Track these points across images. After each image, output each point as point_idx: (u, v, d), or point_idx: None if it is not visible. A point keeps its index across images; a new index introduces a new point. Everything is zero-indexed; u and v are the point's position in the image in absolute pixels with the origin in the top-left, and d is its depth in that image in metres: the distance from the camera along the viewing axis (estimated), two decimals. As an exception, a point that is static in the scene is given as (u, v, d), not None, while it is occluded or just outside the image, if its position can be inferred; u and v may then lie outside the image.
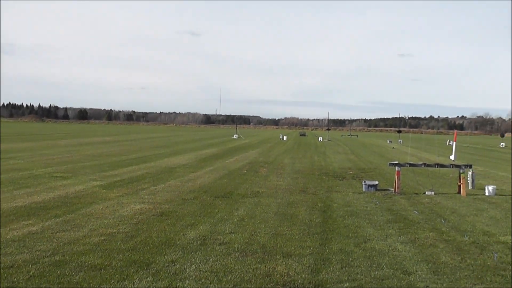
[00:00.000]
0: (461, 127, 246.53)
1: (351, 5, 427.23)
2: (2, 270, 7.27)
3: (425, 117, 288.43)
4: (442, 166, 18.26)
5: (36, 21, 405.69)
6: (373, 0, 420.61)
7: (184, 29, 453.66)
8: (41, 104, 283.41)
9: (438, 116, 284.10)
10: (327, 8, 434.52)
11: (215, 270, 7.60)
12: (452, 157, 18.61)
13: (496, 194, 16.77)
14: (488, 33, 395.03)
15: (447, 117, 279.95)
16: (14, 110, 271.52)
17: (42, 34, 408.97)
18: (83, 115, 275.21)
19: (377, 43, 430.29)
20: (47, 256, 8.05)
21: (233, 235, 9.95)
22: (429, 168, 19.79)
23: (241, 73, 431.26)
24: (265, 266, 7.87)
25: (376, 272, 7.72)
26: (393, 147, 52.97)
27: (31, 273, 7.20)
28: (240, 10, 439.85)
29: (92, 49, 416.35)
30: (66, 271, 7.32)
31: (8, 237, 9.27)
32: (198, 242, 9.29)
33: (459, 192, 16.82)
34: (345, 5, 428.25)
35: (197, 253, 8.52)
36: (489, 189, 16.91)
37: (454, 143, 18.93)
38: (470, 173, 18.30)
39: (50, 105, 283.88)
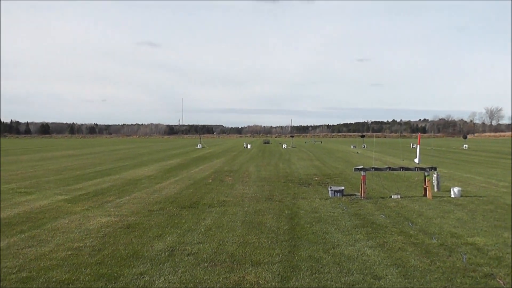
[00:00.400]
0: (423, 130, 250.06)
1: (310, 12, 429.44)
2: (-33, 289, 7.16)
3: (387, 121, 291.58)
4: (407, 169, 18.45)
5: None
6: (331, 6, 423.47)
7: (143, 40, 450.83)
8: (1, 120, 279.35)
9: (401, 120, 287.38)
10: (286, 15, 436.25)
11: (184, 281, 7.57)
12: (416, 160, 18.80)
13: (461, 196, 16.99)
14: (447, 36, 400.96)
15: (410, 121, 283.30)
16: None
17: (1, 49, 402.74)
18: (45, 129, 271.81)
19: (337, 49, 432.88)
20: (14, 273, 7.94)
21: (201, 245, 9.92)
22: (394, 171, 19.98)
23: (203, 82, 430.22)
24: (234, 275, 7.87)
25: (346, 278, 7.77)
26: (357, 152, 53.33)
27: (-2, 291, 7.10)
28: (199, 19, 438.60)
29: (52, 62, 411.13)
30: (33, 287, 7.22)
31: (-28, 255, 9.13)
32: (166, 253, 9.25)
33: (425, 194, 17.01)
34: (304, 12, 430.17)
35: (165, 264, 8.48)
36: (454, 190, 17.14)
37: (418, 146, 19.12)
38: (435, 175, 18.55)
39: (11, 120, 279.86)
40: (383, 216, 13.24)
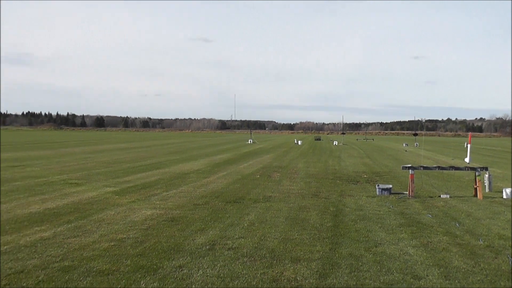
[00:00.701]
0: (480, 129, 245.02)
1: (364, 8, 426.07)
2: (12, 275, 7.33)
3: (442, 119, 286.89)
4: (457, 168, 18.09)
5: (52, 31, 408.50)
6: (387, 2, 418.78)
7: (197, 35, 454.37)
8: (59, 113, 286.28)
9: (456, 119, 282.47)
10: (340, 11, 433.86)
11: (222, 275, 7.59)
12: (467, 160, 18.40)
13: (515, 197, 16.60)
14: (506, 34, 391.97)
15: (465, 119, 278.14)
16: (33, 119, 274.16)
17: (58, 44, 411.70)
18: (100, 122, 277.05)
19: (391, 46, 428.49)
20: (57, 262, 8.10)
21: (242, 240, 9.94)
22: (444, 171, 19.65)
23: (256, 78, 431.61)
24: (272, 271, 7.85)
25: (385, 277, 7.67)
26: (405, 150, 52.61)
27: (40, 278, 7.26)
28: (253, 16, 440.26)
29: (108, 57, 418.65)
30: (74, 276, 7.36)
31: (20, 242, 9.37)
32: (207, 247, 9.30)
33: (475, 195, 16.68)
34: (358, 8, 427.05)
35: (205, 258, 8.52)
36: (506, 191, 16.72)
37: (469, 145, 18.73)
38: (486, 175, 18.16)
39: (68, 113, 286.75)
40: (430, 216, 13.03)
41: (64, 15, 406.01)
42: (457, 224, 11.91)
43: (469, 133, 21.30)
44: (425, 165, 18.34)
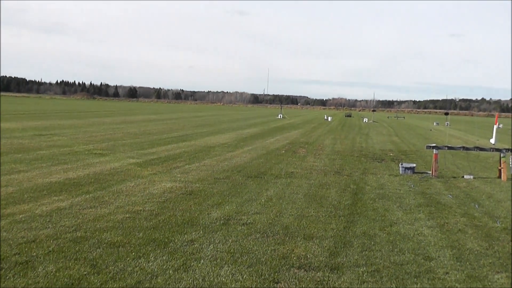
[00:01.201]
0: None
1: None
2: (23, 245, 7.41)
3: (476, 99, 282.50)
4: (482, 149, 17.82)
5: (87, 1, 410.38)
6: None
7: (233, 8, 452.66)
8: (92, 82, 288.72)
9: (490, 99, 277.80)
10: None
11: (232, 250, 7.58)
12: (492, 141, 18.10)
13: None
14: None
15: (500, 100, 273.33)
16: (66, 88, 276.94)
17: (93, 14, 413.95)
18: (133, 93, 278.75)
19: (428, 24, 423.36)
20: (69, 232, 8.17)
21: (258, 215, 9.91)
22: (469, 151, 19.40)
23: (289, 53, 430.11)
24: (283, 247, 7.82)
25: (396, 257, 7.59)
26: (430, 130, 51.96)
27: (51, 248, 7.32)
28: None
29: (142, 28, 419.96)
30: (84, 247, 7.41)
31: (36, 211, 9.45)
32: (221, 222, 9.29)
33: (500, 176, 16.44)
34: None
35: (218, 233, 8.52)
36: (532, 173, 16.48)
37: (495, 126, 18.42)
38: (511, 157, 17.86)
39: (101, 83, 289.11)
40: (450, 196, 12.87)
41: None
42: (477, 206, 11.74)
43: (496, 114, 20.92)
44: (450, 145, 18.10)
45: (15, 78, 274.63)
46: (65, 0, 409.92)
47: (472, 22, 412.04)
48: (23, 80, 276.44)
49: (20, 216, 9.04)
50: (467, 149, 17.72)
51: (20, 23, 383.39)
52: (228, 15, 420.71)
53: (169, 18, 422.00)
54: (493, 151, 17.57)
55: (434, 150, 16.65)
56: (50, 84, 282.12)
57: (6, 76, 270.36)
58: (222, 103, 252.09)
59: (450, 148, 17.73)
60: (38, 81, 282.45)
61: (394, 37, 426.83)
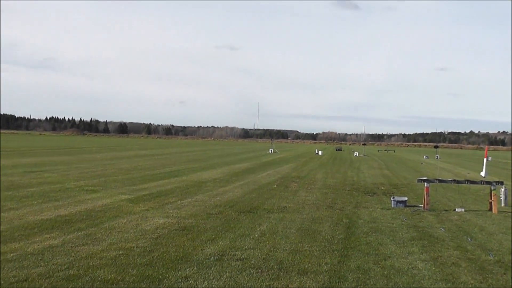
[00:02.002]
0: (502, 143, 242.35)
1: (390, 20, 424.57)
2: (15, 284, 7.33)
3: (465, 132, 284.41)
4: (473, 182, 17.92)
5: (77, 36, 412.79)
6: (412, 14, 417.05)
7: (223, 43, 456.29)
8: (82, 118, 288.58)
9: (479, 131, 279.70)
10: (366, 23, 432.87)
11: (227, 286, 7.53)
12: (483, 173, 18.20)
13: (529, 212, 16.35)
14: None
15: (488, 132, 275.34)
16: (56, 124, 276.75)
17: (83, 49, 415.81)
18: (123, 129, 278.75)
19: (415, 57, 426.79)
20: (62, 270, 8.08)
21: (252, 251, 9.87)
22: (460, 184, 19.47)
23: (280, 87, 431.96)
24: (278, 283, 7.77)
25: (391, 291, 7.57)
26: (421, 163, 52.11)
27: (43, 286, 7.24)
28: (279, 24, 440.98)
29: (132, 64, 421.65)
30: (78, 285, 7.34)
31: (28, 250, 9.36)
32: (215, 257, 9.24)
33: (490, 209, 16.47)
34: (384, 20, 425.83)
35: (212, 269, 8.46)
36: (522, 206, 16.54)
37: (485, 159, 18.54)
38: (502, 189, 17.93)
39: (91, 119, 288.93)
40: (443, 230, 12.87)
41: (90, 20, 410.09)
42: (469, 239, 11.74)
43: (486, 147, 21.06)
44: (441, 178, 18.18)
45: (4, 115, 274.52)
46: (55, 36, 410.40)
47: (459, 56, 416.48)
48: (12, 116, 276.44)
49: (11, 255, 8.93)
50: (458, 182, 17.80)
51: (9, 59, 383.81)
52: (218, 50, 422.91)
53: (159, 53, 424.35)
54: (483, 183, 17.65)
55: (425, 183, 16.70)
56: (40, 120, 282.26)
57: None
58: (212, 138, 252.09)
59: (441, 181, 17.82)
60: (28, 117, 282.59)
61: (382, 70, 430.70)
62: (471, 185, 20.45)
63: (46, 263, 8.46)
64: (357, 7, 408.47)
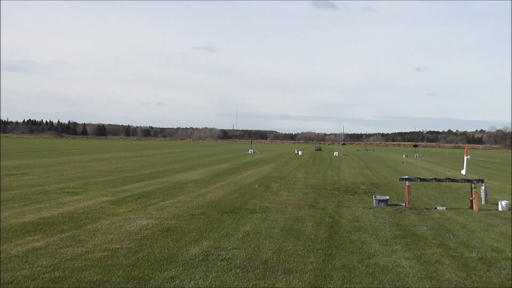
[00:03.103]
0: (480, 141, 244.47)
1: (368, 20, 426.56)
2: (2, 286, 7.29)
3: (443, 131, 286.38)
4: (453, 180, 18.10)
5: (54, 39, 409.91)
6: (390, 14, 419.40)
7: (201, 44, 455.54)
8: (60, 120, 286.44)
9: (457, 130, 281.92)
10: (341, 22, 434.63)
11: (214, 286, 7.56)
12: (463, 172, 18.37)
13: (509, 209, 16.53)
14: (507, 46, 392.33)
15: (466, 131, 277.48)
16: (34, 127, 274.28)
17: (60, 52, 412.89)
18: (102, 131, 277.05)
19: (393, 57, 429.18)
20: (47, 272, 8.06)
21: (236, 250, 9.90)
22: (441, 182, 19.62)
23: (258, 88, 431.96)
24: (264, 282, 7.81)
25: (377, 289, 7.63)
26: (403, 162, 52.47)
27: (30, 289, 7.22)
28: (257, 25, 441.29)
29: (110, 65, 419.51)
30: (64, 287, 7.32)
31: (12, 252, 9.31)
32: (200, 258, 9.26)
33: (471, 207, 16.64)
34: (362, 20, 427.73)
35: (197, 269, 8.48)
36: (502, 204, 16.71)
37: (465, 157, 18.72)
38: (482, 187, 18.11)
39: (69, 121, 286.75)
40: (425, 228, 12.99)
41: (66, 22, 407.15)
42: (452, 237, 11.87)
43: (466, 145, 21.25)
44: (422, 177, 18.33)
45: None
46: (31, 38, 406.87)
47: (437, 56, 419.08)
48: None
49: (-4, 258, 8.90)
50: (439, 180, 17.98)
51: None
52: (196, 51, 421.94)
53: (136, 54, 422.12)
54: (464, 182, 17.83)
55: (406, 182, 16.83)
56: (17, 123, 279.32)
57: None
58: (191, 139, 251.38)
59: (422, 179, 17.96)
60: (5, 120, 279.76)
61: (360, 70, 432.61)
62: (452, 183, 20.63)
63: (31, 265, 8.43)
64: (335, 7, 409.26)
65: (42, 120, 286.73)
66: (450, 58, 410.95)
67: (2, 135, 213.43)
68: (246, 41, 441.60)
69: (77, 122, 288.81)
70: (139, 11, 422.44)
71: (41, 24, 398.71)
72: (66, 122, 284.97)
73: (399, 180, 18.02)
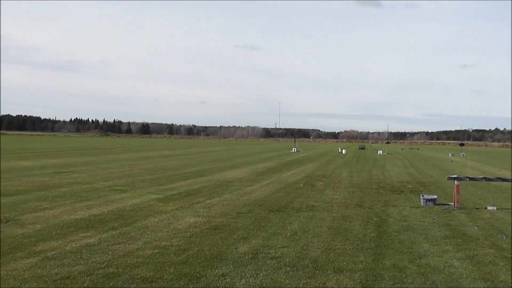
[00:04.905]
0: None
1: (412, 16, 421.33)
2: (58, 281, 7.47)
3: (490, 129, 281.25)
4: (504, 180, 17.78)
5: (100, 38, 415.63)
6: (435, 10, 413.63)
7: (244, 43, 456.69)
8: (105, 119, 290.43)
9: (504, 129, 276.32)
10: (388, 19, 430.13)
11: (264, 284, 7.60)
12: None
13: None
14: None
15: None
16: (80, 125, 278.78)
17: (106, 51, 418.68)
18: (146, 129, 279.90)
19: (438, 54, 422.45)
20: (102, 268, 8.22)
21: (285, 249, 9.93)
22: (491, 182, 19.32)
23: (301, 86, 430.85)
24: (315, 281, 7.83)
25: (429, 289, 7.58)
26: (451, 160, 51.82)
27: (85, 284, 7.38)
28: (299, 23, 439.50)
29: (154, 65, 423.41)
30: (118, 283, 7.46)
31: (66, 248, 9.54)
32: (250, 256, 9.32)
33: (522, 207, 16.35)
34: (406, 16, 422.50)
35: (247, 267, 8.54)
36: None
37: (515, 156, 18.39)
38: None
39: (114, 119, 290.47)
40: (476, 228, 12.81)
41: (112, 22, 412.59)
42: (505, 237, 11.68)
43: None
44: (471, 176, 18.08)
45: (30, 117, 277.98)
46: (77, 38, 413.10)
47: (482, 53, 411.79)
48: (38, 118, 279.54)
49: (52, 253, 9.12)
50: (489, 179, 17.70)
51: (34, 62, 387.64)
52: (239, 50, 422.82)
53: (179, 53, 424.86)
54: (516, 181, 17.50)
55: (455, 181, 16.62)
56: (64, 122, 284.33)
57: (21, 115, 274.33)
58: (234, 138, 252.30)
59: (471, 179, 17.71)
60: (52, 119, 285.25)
61: (404, 68, 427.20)
62: (502, 183, 20.31)
63: (86, 261, 8.61)
64: (379, 5, 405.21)
65: (88, 119, 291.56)
66: (495, 54, 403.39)
67: (50, 133, 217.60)
68: (288, 40, 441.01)
69: (122, 120, 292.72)
70: (182, 10, 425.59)
71: (88, 24, 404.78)
72: (111, 120, 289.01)
73: (448, 179, 17.79)
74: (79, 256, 8.95)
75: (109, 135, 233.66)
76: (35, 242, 10.00)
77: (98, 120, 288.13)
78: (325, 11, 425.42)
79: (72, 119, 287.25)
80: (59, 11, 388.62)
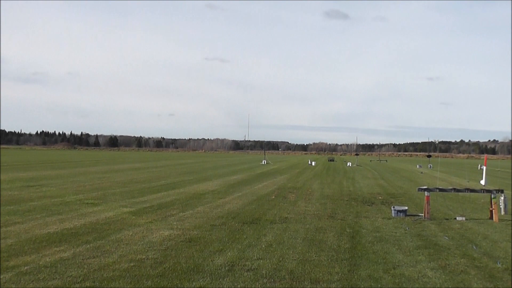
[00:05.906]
0: (493, 151, 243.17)
1: (380, 30, 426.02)
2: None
3: (455, 141, 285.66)
4: (473, 191, 18.03)
5: (67, 50, 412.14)
6: (402, 24, 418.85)
7: (213, 55, 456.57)
8: (72, 132, 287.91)
9: (469, 140, 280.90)
10: (356, 33, 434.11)
11: (243, 296, 7.62)
12: (482, 182, 18.36)
13: (529, 220, 16.48)
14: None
15: (478, 141, 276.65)
16: (47, 138, 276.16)
17: (73, 63, 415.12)
18: (114, 142, 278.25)
19: (405, 67, 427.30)
20: (78, 282, 8.17)
21: (261, 261, 9.97)
22: (459, 193, 19.56)
23: (270, 99, 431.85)
24: (293, 292, 7.87)
25: (404, 299, 7.67)
26: (421, 172, 52.42)
27: (62, 299, 7.32)
28: (268, 36, 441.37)
29: (121, 76, 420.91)
30: (96, 297, 7.42)
31: (40, 263, 9.44)
32: (226, 268, 9.33)
33: (491, 217, 16.59)
34: (374, 30, 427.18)
35: (225, 279, 8.56)
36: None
37: (485, 167, 18.69)
38: (502, 198, 18.06)
39: (82, 132, 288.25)
40: (446, 238, 12.99)
41: (79, 34, 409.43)
42: (475, 247, 11.86)
43: (485, 155, 21.22)
44: (440, 187, 18.30)
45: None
46: (44, 50, 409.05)
47: (449, 65, 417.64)
48: (3, 131, 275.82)
49: (25, 268, 9.03)
50: (458, 190, 17.94)
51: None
52: (208, 62, 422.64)
53: (148, 66, 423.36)
54: (483, 192, 17.79)
55: (425, 192, 16.83)
56: (30, 135, 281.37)
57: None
58: (203, 150, 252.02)
59: (441, 190, 17.93)
60: (18, 132, 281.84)
61: (372, 80, 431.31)
62: (469, 193, 20.59)
63: (61, 276, 8.54)
64: (346, 17, 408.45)
65: (55, 131, 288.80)
66: (462, 67, 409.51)
67: (15, 146, 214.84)
68: (257, 52, 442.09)
69: (90, 133, 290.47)
70: (151, 23, 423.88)
71: (53, 35, 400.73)
72: (79, 133, 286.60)
73: (418, 191, 17.99)
74: (54, 271, 8.87)
75: (77, 148, 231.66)
76: (7, 257, 9.87)
77: (65, 133, 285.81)
78: (293, 23, 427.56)
79: (38, 132, 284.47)
80: (24, 23, 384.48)
